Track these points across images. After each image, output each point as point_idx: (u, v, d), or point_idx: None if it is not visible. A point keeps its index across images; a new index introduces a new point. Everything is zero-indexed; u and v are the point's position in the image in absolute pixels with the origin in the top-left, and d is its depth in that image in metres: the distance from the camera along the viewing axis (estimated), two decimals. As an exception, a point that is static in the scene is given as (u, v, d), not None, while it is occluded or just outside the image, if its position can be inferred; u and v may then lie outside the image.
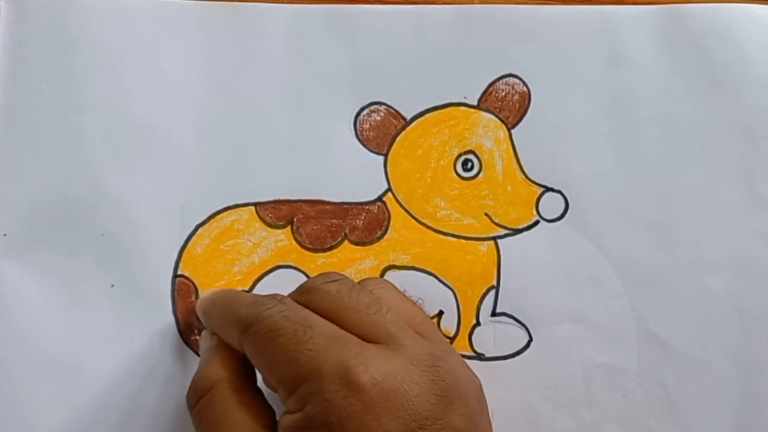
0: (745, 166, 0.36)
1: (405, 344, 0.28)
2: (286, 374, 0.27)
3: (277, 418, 0.28)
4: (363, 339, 0.28)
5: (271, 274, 0.35)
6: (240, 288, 0.35)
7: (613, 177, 0.36)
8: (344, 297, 0.29)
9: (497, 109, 0.36)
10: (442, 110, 0.36)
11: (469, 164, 0.36)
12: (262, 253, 0.35)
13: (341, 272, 0.31)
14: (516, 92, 0.36)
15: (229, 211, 0.35)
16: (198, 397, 0.29)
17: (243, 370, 0.30)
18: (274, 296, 0.29)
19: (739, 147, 0.36)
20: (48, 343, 0.34)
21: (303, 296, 0.29)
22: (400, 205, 0.36)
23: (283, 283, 0.35)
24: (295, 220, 0.35)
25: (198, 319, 0.33)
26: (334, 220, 0.35)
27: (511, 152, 0.36)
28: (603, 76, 0.36)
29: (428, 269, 0.35)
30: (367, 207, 0.36)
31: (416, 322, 0.30)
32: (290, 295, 0.30)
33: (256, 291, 0.35)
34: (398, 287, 0.34)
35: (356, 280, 0.31)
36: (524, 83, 0.36)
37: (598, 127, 0.36)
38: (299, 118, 0.36)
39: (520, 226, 0.36)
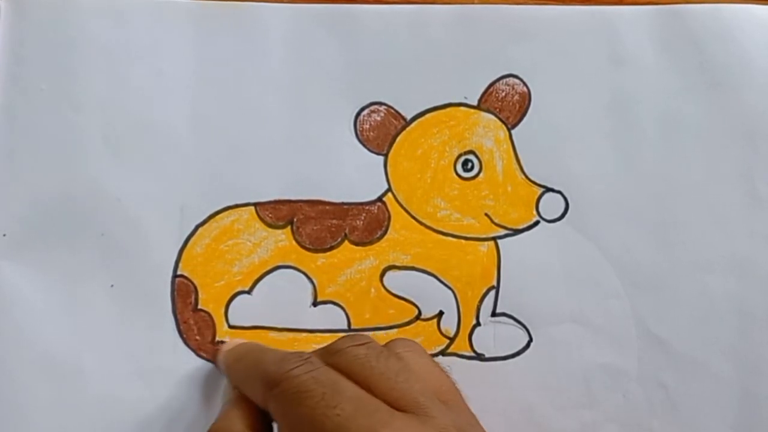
0: (745, 167, 0.36)
1: (433, 416, 0.27)
2: None
3: None
4: (390, 406, 0.27)
5: (271, 275, 0.35)
6: (240, 288, 0.35)
7: (613, 177, 0.36)
8: (373, 362, 0.28)
9: (497, 110, 0.36)
10: (442, 110, 0.36)
11: (469, 164, 0.36)
12: (261, 254, 0.35)
13: (367, 335, 0.30)
14: (516, 92, 0.36)
15: (229, 211, 0.35)
16: None
17: (261, 428, 0.29)
18: (301, 354, 0.29)
19: (739, 147, 0.36)
20: (48, 343, 0.34)
21: (331, 358, 0.29)
22: (400, 205, 0.36)
23: (283, 284, 0.35)
24: (295, 220, 0.35)
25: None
26: (334, 221, 0.35)
27: (511, 152, 0.36)
28: (603, 76, 0.36)
29: (428, 269, 0.35)
30: (367, 207, 0.36)
31: (443, 391, 0.30)
32: (317, 354, 0.29)
33: (255, 291, 0.35)
34: (426, 352, 0.32)
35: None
36: (524, 83, 0.36)
37: (599, 127, 0.36)
38: (299, 118, 0.36)
39: (520, 227, 0.36)
